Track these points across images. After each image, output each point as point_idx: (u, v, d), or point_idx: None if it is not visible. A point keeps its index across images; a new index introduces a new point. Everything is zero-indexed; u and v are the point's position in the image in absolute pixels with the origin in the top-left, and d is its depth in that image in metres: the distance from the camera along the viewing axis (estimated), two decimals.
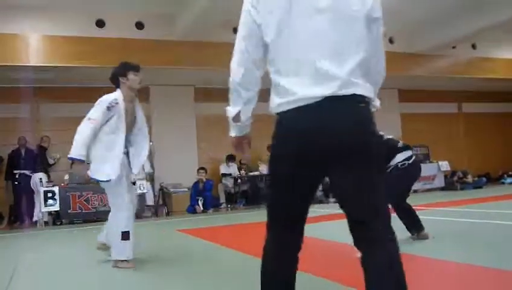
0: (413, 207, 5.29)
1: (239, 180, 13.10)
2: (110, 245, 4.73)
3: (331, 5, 1.93)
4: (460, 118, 17.68)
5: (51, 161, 11.56)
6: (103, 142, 4.64)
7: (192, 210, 11.59)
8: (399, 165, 5.32)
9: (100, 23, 10.89)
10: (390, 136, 5.66)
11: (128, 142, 4.83)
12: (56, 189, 10.42)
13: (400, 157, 5.38)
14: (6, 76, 11.09)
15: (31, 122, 12.28)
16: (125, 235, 4.51)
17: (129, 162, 4.84)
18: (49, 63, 10.60)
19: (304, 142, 1.93)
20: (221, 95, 10.69)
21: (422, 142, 14.77)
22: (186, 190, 12.13)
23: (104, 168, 4.56)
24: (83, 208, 10.46)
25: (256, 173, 13.18)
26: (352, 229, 1.99)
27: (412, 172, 5.48)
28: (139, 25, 11.17)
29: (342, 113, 1.93)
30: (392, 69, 11.19)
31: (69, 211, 10.41)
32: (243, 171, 13.17)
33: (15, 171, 11.25)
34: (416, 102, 16.24)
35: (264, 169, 13.10)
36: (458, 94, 17.21)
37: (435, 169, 14.42)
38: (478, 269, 3.83)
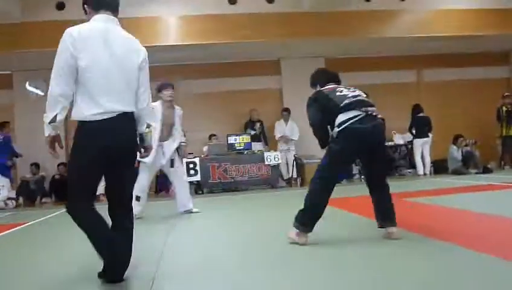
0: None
1: None
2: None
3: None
4: None
5: None
6: None
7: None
8: (334, 135, 4.07)
9: (232, 0, 11.20)
10: (341, 92, 4.19)
11: (167, 136, 6.82)
12: (197, 160, 11.05)
13: (338, 119, 4.04)
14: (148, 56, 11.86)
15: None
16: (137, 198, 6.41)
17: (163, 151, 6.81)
18: (185, 42, 11.20)
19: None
20: (353, 64, 10.62)
21: None
22: (319, 160, 12.16)
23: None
24: (222, 178, 11.01)
25: (390, 143, 12.88)
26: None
27: (341, 143, 4.04)
28: None
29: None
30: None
31: (209, 181, 11.02)
32: None
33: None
34: None
35: (398, 139, 12.79)
36: None
37: None
38: None
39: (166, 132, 6.83)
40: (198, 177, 11.06)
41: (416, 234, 4.21)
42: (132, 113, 3.20)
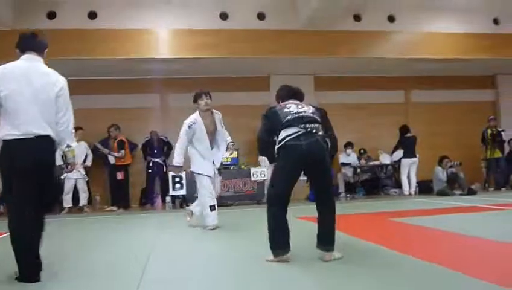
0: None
1: (358, 170, 12.96)
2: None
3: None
4: None
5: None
6: (196, 150, 6.77)
7: (312, 198, 11.63)
8: (275, 152, 4.23)
9: (224, 16, 11.28)
10: (289, 108, 4.26)
11: (212, 144, 6.87)
12: (183, 174, 11.02)
13: (280, 136, 4.17)
14: (139, 68, 11.90)
15: (160, 112, 13.09)
16: (212, 208, 6.63)
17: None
18: (176, 55, 11.22)
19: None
20: (342, 83, 10.70)
21: None
22: (306, 178, 12.18)
23: (203, 166, 6.70)
24: None
25: (376, 162, 12.96)
26: None
27: (281, 160, 4.19)
28: (261, 16, 11.41)
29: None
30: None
31: (194, 195, 10.94)
32: (362, 161, 13.00)
33: (148, 159, 12.13)
34: None
35: (384, 159, 12.86)
36: None
37: None
38: None
39: (210, 141, 6.84)
40: (183, 191, 11.03)
41: (401, 254, 4.23)
42: (46, 136, 3.78)
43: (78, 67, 11.57)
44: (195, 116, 6.76)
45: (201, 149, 6.73)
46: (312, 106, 4.42)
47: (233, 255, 4.64)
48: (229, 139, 7.11)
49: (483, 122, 13.08)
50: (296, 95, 4.61)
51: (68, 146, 4.00)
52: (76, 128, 11.14)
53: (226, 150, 7.21)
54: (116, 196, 11.37)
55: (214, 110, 6.92)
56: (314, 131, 4.11)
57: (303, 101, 4.58)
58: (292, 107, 4.26)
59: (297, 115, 4.16)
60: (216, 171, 6.98)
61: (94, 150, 11.51)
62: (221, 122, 6.97)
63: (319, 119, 4.25)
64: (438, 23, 12.10)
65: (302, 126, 4.09)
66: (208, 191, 6.69)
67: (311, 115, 4.22)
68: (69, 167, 4.11)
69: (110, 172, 11.35)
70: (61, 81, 3.97)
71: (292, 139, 4.06)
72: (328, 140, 4.21)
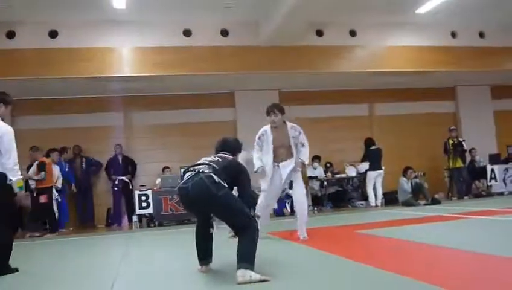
0: None
1: (325, 183, 13.05)
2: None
3: None
4: None
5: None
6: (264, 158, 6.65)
7: (280, 213, 11.66)
8: None
9: (187, 33, 11.26)
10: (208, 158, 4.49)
11: (282, 158, 6.58)
12: (149, 193, 10.91)
13: None
14: (102, 86, 11.77)
15: (124, 130, 12.94)
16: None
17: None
18: (139, 73, 11.13)
19: None
20: (307, 97, 10.80)
21: None
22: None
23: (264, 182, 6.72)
24: (174, 210, 10.85)
25: (343, 175, 13.08)
26: None
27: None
28: (224, 33, 11.44)
29: None
30: (483, 65, 10.67)
31: (161, 213, 10.86)
32: (329, 174, 13.10)
33: (114, 178, 11.95)
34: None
35: (350, 171, 12.99)
36: None
37: None
38: None
39: (279, 153, 6.55)
40: (150, 210, 10.90)
41: (365, 265, 4.24)
42: None
43: (40, 87, 11.43)
44: (266, 128, 6.67)
45: (265, 162, 6.59)
46: (227, 157, 4.55)
47: (205, 276, 4.57)
48: (302, 156, 6.62)
49: (444, 133, 13.37)
50: (223, 147, 4.83)
51: (10, 180, 5.04)
52: (52, 150, 10.95)
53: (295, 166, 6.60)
54: (42, 220, 10.84)
55: (291, 124, 6.72)
56: (201, 171, 4.19)
57: (233, 149, 4.89)
58: (202, 159, 4.48)
59: (192, 165, 4.40)
60: (287, 184, 6.92)
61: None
62: (295, 138, 6.61)
63: (212, 164, 4.30)
64: (398, 38, 12.37)
65: (192, 169, 4.30)
66: (262, 203, 6.74)
67: (205, 161, 4.39)
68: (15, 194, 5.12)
69: (32, 196, 10.22)
70: (1, 129, 5.02)
71: (181, 182, 4.32)
72: (215, 176, 4.15)
